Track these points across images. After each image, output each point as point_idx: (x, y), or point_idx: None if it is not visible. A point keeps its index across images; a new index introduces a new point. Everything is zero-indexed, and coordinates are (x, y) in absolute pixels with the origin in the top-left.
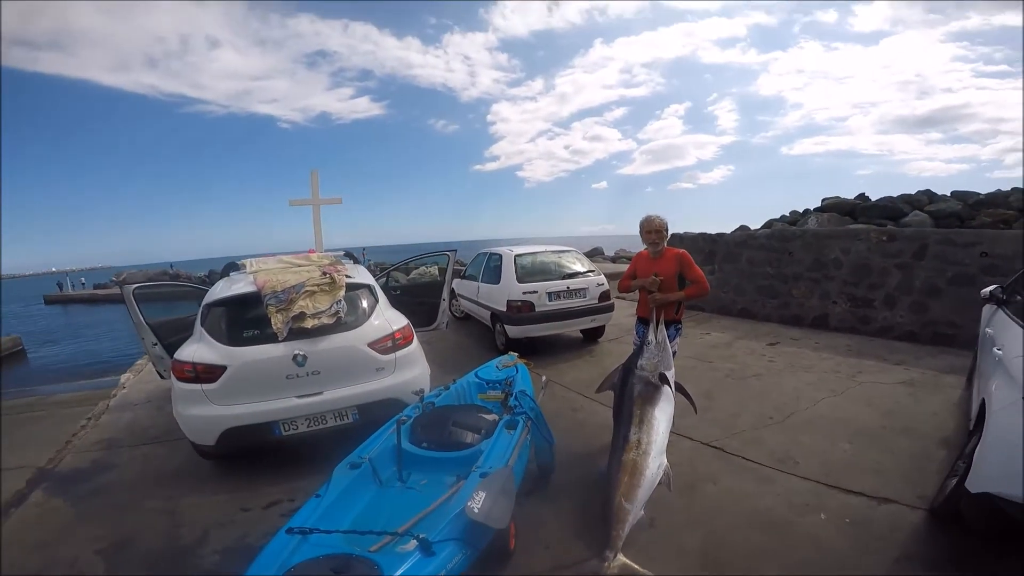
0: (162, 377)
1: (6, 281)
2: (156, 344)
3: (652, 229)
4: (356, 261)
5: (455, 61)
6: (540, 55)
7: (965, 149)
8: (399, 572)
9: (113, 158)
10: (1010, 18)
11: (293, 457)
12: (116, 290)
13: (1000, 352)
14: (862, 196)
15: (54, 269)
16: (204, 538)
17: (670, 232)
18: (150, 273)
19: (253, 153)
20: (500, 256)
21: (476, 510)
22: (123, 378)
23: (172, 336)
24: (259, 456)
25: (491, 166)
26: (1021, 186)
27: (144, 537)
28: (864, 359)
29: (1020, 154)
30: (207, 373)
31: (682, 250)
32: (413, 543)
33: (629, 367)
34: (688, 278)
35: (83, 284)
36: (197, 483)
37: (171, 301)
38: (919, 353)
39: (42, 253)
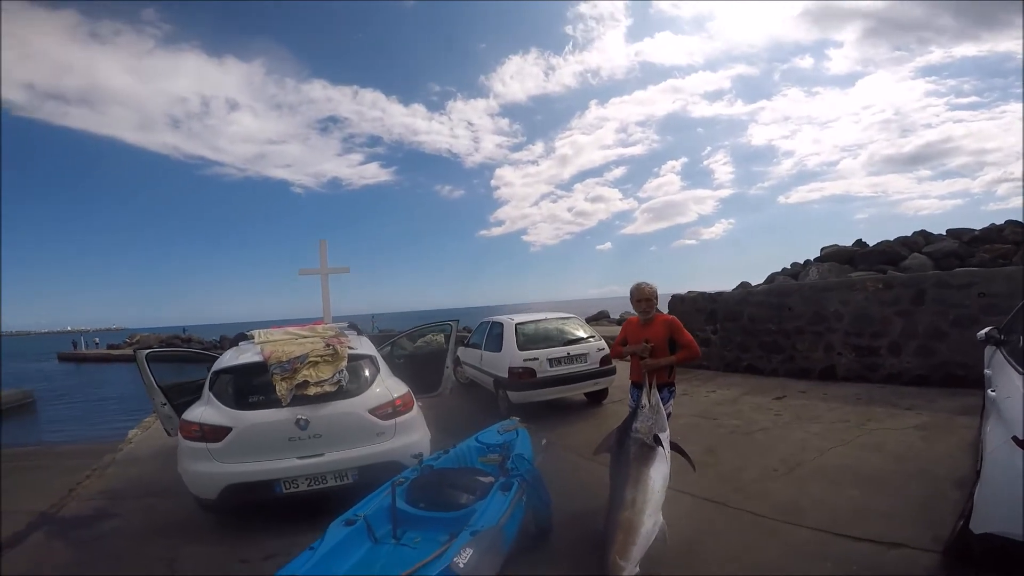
0: (169, 435)
1: (22, 338)
2: (165, 404)
3: (643, 298)
4: (360, 332)
5: (459, 127)
6: (539, 119)
7: (956, 184)
8: None
9: (133, 218)
10: (967, 49)
11: (295, 514)
12: (129, 351)
13: (994, 394)
14: (860, 243)
15: (69, 328)
16: None
17: (673, 292)
18: (163, 336)
19: (267, 218)
20: (501, 324)
21: (461, 565)
22: (131, 434)
23: (180, 398)
24: (261, 511)
25: (496, 231)
26: (1014, 218)
27: None
28: (874, 406)
29: (1010, 184)
30: (212, 433)
31: (671, 316)
32: None
33: (625, 430)
34: (679, 343)
35: (97, 344)
36: (198, 534)
37: (179, 364)
38: (931, 396)
39: (58, 311)
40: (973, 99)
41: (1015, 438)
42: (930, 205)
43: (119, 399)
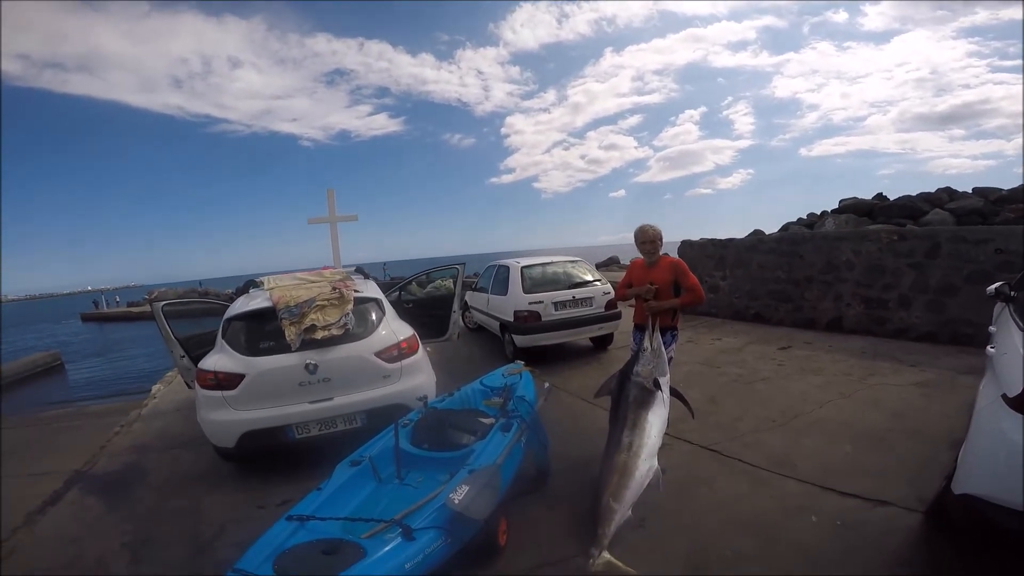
0: (189, 387)
1: (44, 300)
2: (184, 356)
3: (647, 239)
4: (367, 276)
5: (468, 76)
6: (551, 67)
7: (990, 145)
8: (380, 553)
9: (145, 178)
10: (1015, 12)
11: (307, 459)
12: (148, 308)
13: (992, 350)
14: (880, 196)
15: (89, 288)
16: (220, 533)
17: (684, 238)
18: (180, 291)
19: (277, 171)
20: (508, 268)
21: (456, 501)
22: (154, 389)
23: (198, 349)
24: (276, 459)
25: (507, 178)
26: None
27: (167, 531)
28: (878, 361)
29: None
30: (227, 381)
31: (677, 258)
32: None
33: (626, 373)
34: (683, 286)
35: (117, 302)
36: (218, 483)
37: (198, 317)
38: (937, 353)
39: (77, 273)
40: (1018, 62)
41: (1004, 396)
42: (960, 164)
43: (143, 355)
